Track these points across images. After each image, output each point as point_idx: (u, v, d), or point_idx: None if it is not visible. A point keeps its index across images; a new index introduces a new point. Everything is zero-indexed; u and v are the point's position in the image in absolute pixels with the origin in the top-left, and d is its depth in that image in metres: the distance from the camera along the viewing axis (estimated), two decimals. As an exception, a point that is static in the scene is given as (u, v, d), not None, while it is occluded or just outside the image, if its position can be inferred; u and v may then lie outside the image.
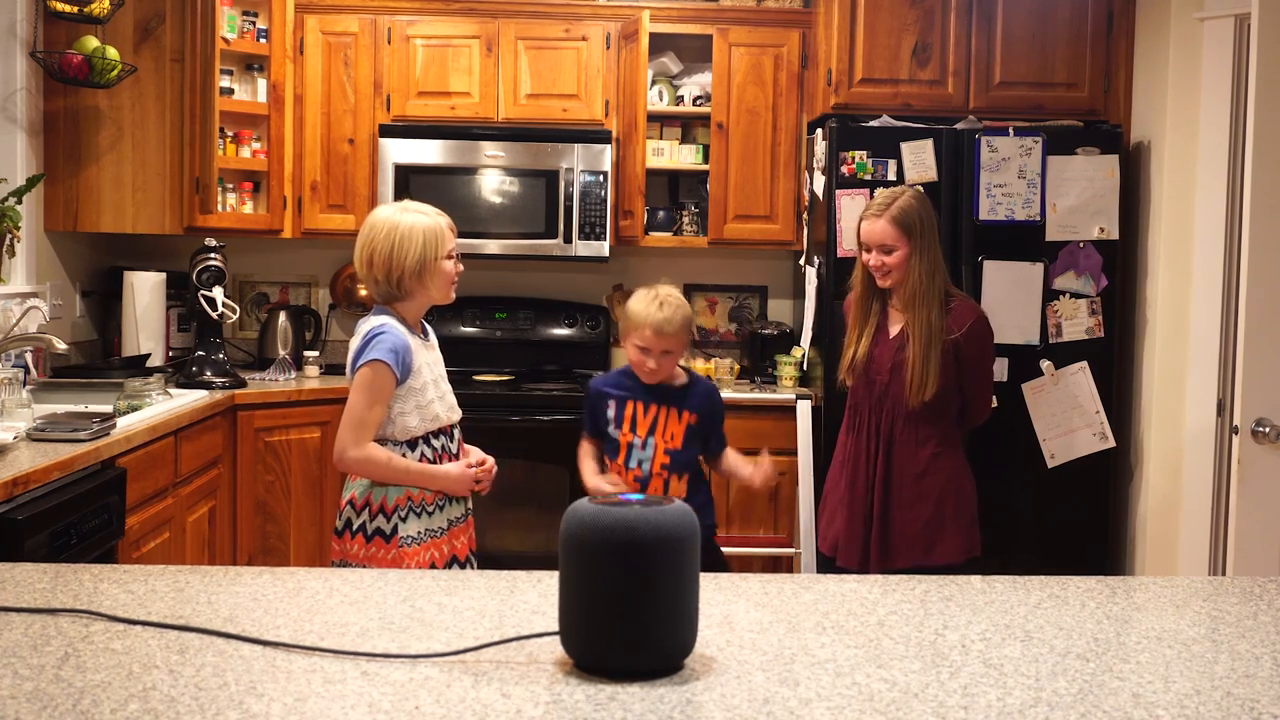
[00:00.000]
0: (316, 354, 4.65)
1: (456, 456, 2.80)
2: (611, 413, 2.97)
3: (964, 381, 3.14)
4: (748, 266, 5.02)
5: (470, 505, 2.84)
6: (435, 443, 2.74)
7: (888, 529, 3.12)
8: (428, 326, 2.88)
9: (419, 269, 2.67)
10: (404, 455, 2.67)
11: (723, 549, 4.22)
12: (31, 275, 4.00)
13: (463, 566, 2.84)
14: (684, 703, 1.32)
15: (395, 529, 2.66)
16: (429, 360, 2.76)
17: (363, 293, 4.87)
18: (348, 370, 2.70)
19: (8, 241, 3.74)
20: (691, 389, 3.01)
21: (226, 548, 3.95)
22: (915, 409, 3.08)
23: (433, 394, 2.73)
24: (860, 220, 3.16)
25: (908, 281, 3.09)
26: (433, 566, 2.71)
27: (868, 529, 3.14)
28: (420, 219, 2.70)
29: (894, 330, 3.16)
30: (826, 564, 3.30)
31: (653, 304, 2.90)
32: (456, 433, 2.83)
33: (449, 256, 2.73)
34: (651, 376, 2.94)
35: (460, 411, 2.84)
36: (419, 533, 2.68)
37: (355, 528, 2.69)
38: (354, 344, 2.69)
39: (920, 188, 3.66)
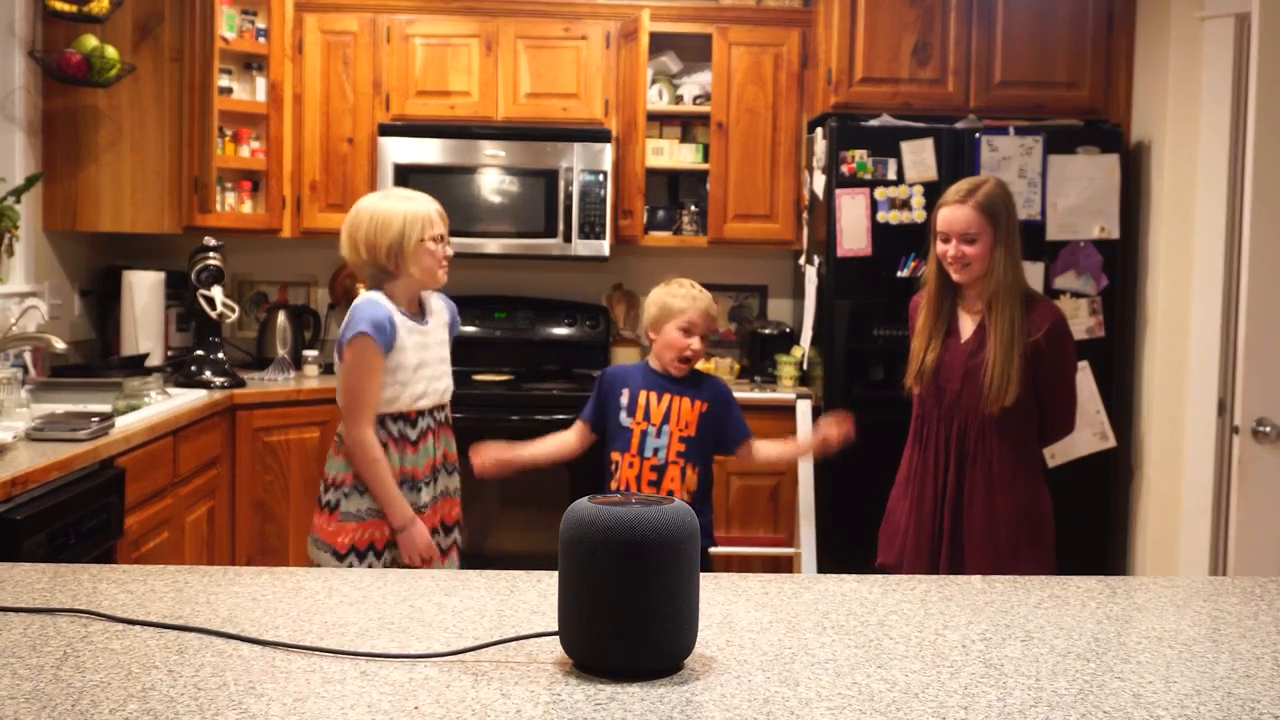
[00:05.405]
0: (315, 354, 4.64)
1: (416, 445, 2.79)
2: (624, 400, 3.02)
3: (1042, 390, 2.88)
4: (747, 266, 5.02)
5: (438, 494, 2.84)
6: (392, 427, 2.76)
7: (957, 552, 2.88)
8: (429, 307, 2.90)
9: (399, 249, 2.75)
10: None
11: (723, 549, 4.25)
12: (30, 275, 4.00)
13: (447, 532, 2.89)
14: (684, 703, 1.32)
15: (338, 502, 2.73)
16: (417, 342, 2.78)
17: (362, 292, 4.87)
18: (335, 356, 2.78)
19: (6, 241, 3.74)
20: (699, 378, 3.09)
21: (225, 548, 3.95)
22: (991, 420, 2.84)
23: (405, 377, 2.74)
24: (938, 208, 2.92)
25: (990, 276, 2.84)
26: (372, 545, 2.74)
27: (935, 550, 2.91)
28: (402, 204, 2.79)
29: (966, 333, 2.92)
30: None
31: (692, 290, 3.07)
32: (421, 422, 2.80)
33: (435, 239, 2.79)
34: (689, 362, 3.02)
35: (436, 400, 2.83)
36: (360, 510, 2.73)
37: (322, 504, 2.79)
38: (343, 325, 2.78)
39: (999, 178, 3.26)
